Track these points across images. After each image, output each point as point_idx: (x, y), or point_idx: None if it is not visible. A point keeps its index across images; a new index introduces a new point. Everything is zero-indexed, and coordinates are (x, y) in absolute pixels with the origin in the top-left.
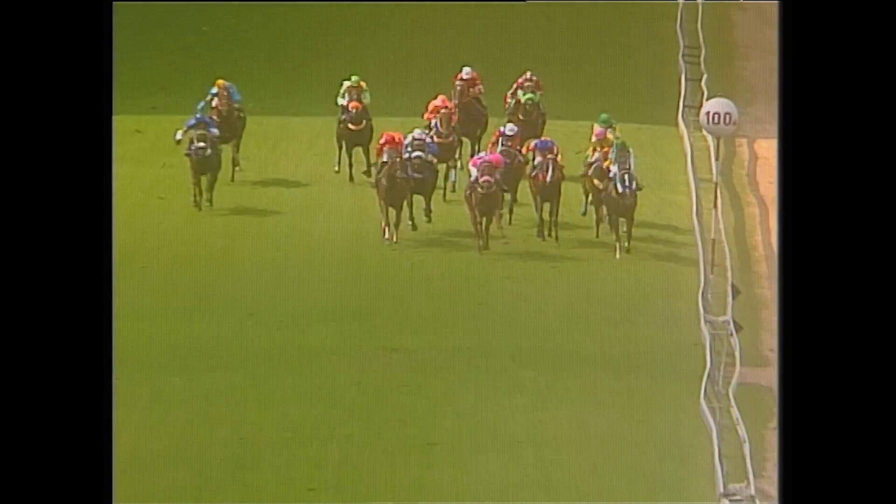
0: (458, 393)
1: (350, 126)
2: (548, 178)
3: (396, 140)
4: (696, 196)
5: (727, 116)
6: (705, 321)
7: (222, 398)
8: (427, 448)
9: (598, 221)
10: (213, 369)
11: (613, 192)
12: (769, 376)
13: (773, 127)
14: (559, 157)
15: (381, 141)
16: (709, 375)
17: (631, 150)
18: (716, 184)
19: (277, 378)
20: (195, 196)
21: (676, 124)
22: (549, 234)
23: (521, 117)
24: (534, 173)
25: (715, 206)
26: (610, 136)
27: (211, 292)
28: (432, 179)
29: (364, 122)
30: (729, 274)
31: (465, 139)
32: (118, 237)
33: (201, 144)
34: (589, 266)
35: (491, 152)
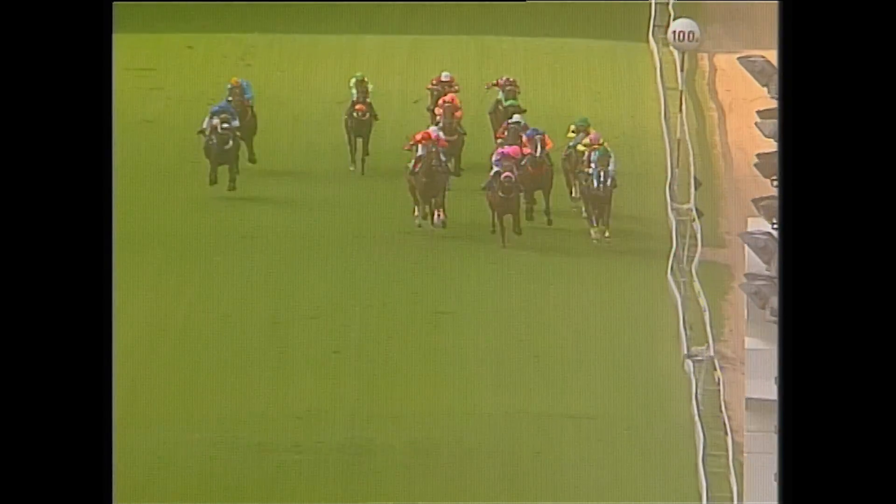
0: (462, 270)
1: (354, 115)
2: (537, 153)
3: (432, 136)
4: (664, 102)
5: (691, 34)
6: (671, 209)
7: (260, 279)
8: (435, 317)
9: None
10: (251, 252)
11: (591, 186)
12: (726, 255)
13: (729, 43)
14: (550, 146)
15: (418, 137)
16: (674, 255)
17: (612, 154)
18: (681, 92)
19: (307, 261)
20: (210, 177)
21: (647, 41)
22: (547, 220)
23: (501, 112)
24: (523, 161)
25: (680, 110)
26: (603, 141)
27: (247, 191)
28: (443, 182)
29: (367, 115)
30: (692, 168)
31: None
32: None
33: (222, 131)
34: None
35: (503, 142)
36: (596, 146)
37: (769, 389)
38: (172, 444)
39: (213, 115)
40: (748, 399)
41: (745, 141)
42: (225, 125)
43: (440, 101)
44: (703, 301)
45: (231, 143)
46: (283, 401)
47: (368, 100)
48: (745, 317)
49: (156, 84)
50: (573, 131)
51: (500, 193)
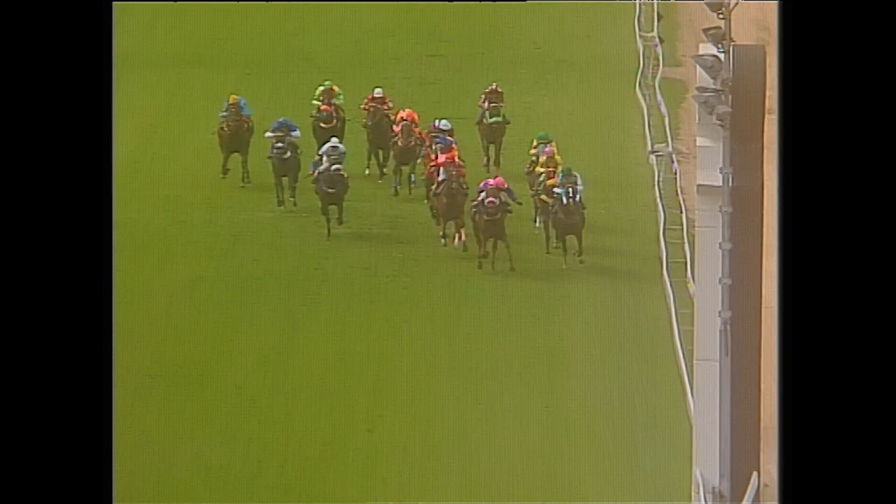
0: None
1: (322, 125)
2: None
3: (455, 161)
4: None
5: None
6: (639, 36)
7: None
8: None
9: (548, 237)
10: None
11: (560, 213)
12: (682, 73)
13: None
14: (452, 154)
15: (441, 160)
16: (641, 72)
17: (577, 173)
18: None
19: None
20: (277, 195)
21: None
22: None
23: (486, 127)
24: (432, 169)
25: None
26: (557, 157)
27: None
28: (343, 191)
29: (335, 121)
30: (655, 4)
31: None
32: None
33: (279, 145)
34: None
35: (427, 143)
36: (552, 166)
37: (716, 178)
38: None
39: (273, 130)
40: (699, 185)
41: None
42: (279, 143)
43: (396, 118)
44: (663, 109)
45: (289, 154)
46: None
47: (335, 101)
48: (697, 121)
49: None
50: (535, 147)
51: (485, 217)
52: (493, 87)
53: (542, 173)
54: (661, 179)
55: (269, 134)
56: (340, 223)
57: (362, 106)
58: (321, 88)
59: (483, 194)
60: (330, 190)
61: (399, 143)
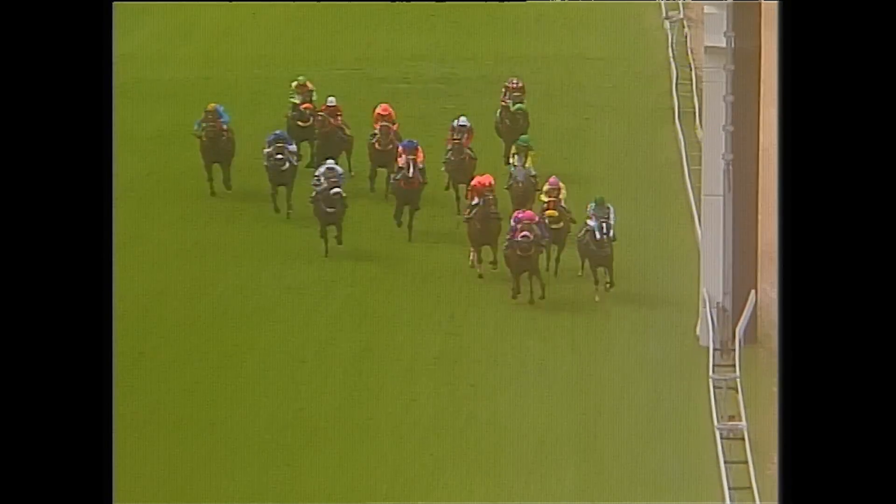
0: None
1: (299, 123)
2: (409, 174)
3: (488, 184)
4: None
5: None
6: None
7: None
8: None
9: (556, 261)
10: None
11: (591, 244)
12: None
13: None
14: (420, 158)
15: (473, 183)
16: None
17: (610, 206)
18: None
19: None
20: (274, 203)
21: None
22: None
23: (508, 122)
24: (398, 176)
25: None
26: (561, 185)
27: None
28: (343, 211)
29: (311, 119)
30: None
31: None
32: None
33: (280, 157)
34: None
35: (449, 144)
36: (554, 196)
37: (721, 40)
38: None
39: (268, 143)
40: (706, 46)
41: None
42: (279, 155)
43: (374, 114)
44: None
45: (287, 165)
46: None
47: (314, 100)
48: None
49: None
50: (514, 153)
51: (518, 252)
52: (515, 82)
53: (544, 203)
54: (674, 42)
55: (267, 150)
56: (339, 243)
57: (317, 117)
58: (295, 83)
59: (516, 226)
60: (329, 210)
61: (377, 146)
